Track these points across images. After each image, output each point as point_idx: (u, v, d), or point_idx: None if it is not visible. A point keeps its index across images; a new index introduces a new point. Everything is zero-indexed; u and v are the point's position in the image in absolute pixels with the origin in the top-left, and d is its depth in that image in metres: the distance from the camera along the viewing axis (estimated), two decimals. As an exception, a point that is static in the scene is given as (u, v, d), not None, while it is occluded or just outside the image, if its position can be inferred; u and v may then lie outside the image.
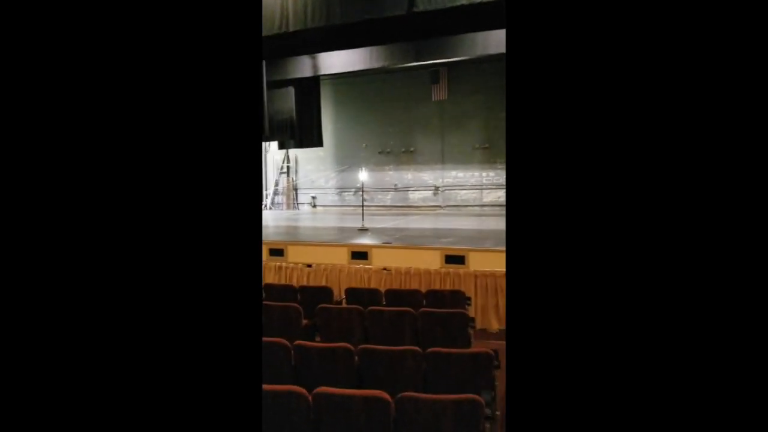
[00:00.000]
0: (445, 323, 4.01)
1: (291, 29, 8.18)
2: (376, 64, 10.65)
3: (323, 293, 5.01)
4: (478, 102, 13.31)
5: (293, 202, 15.86)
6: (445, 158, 14.22)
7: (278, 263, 7.06)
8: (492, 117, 13.13)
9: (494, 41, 8.50)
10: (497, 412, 2.96)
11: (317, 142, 12.64)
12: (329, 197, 15.41)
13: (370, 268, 6.68)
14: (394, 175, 14.70)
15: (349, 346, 3.06)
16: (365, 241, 7.71)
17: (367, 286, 6.44)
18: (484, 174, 13.79)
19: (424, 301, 4.84)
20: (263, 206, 15.47)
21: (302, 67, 11.19)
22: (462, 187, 14.09)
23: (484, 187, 13.83)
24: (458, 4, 6.81)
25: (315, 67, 11.19)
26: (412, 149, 14.47)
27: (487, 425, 2.37)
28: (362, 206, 10.29)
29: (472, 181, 13.98)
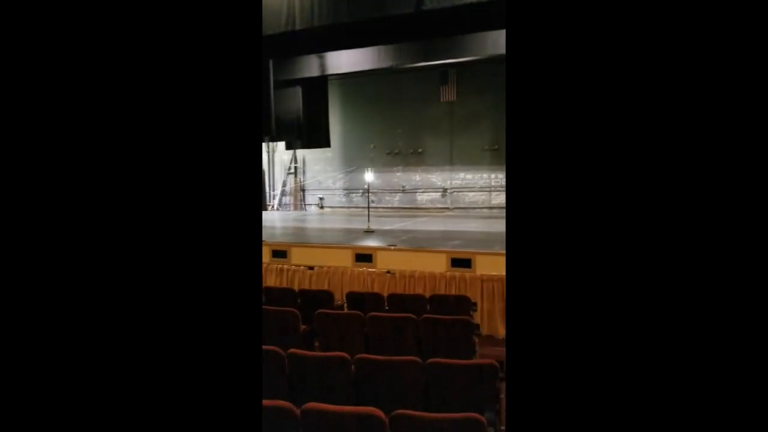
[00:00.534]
0: (448, 330, 3.84)
1: (298, 27, 8.13)
2: (384, 64, 10.60)
3: (324, 297, 4.86)
4: (487, 103, 13.20)
5: (301, 202, 15.82)
6: (453, 160, 14.11)
7: (280, 265, 6.91)
8: (501, 118, 12.84)
9: (504, 41, 8.35)
10: (502, 427, 2.81)
11: (325, 142, 12.58)
12: (337, 198, 15.34)
13: (374, 271, 6.52)
14: (402, 177, 14.62)
15: (345, 355, 2.91)
16: (370, 243, 7.57)
17: (370, 289, 6.29)
18: (493, 176, 13.67)
19: (428, 307, 4.67)
20: (271, 207, 15.44)
21: (310, 67, 11.16)
22: (471, 188, 13.99)
23: (492, 189, 13.71)
24: (467, 2, 6.68)
25: (322, 66, 11.16)
26: (420, 150, 14.38)
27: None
28: (368, 207, 10.16)
29: (481, 183, 13.88)
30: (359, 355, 2.94)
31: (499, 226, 9.73)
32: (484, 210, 13.59)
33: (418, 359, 2.88)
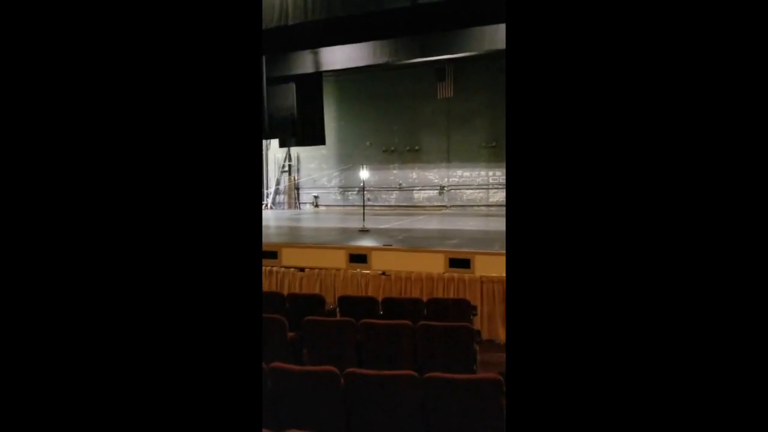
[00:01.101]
0: (447, 339, 3.57)
1: (291, 22, 7.95)
2: (380, 60, 10.42)
3: (314, 302, 4.59)
4: (484, 99, 13.02)
5: (295, 201, 15.58)
6: (450, 157, 13.92)
7: (270, 267, 6.62)
8: (499, 115, 12.78)
9: (502, 35, 8.20)
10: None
11: (319, 140, 12.33)
12: (332, 196, 15.11)
13: (368, 273, 6.25)
14: (398, 174, 14.40)
15: (334, 370, 2.64)
16: (365, 243, 7.30)
17: (363, 293, 6.03)
18: (490, 173, 13.49)
19: (425, 311, 4.40)
20: (265, 206, 15.18)
21: (303, 63, 10.95)
22: (468, 186, 13.80)
23: (490, 186, 13.53)
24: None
25: (317, 62, 10.95)
26: (417, 148, 14.17)
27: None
28: (363, 206, 9.90)
29: (479, 180, 13.69)
30: (350, 369, 2.68)
31: (498, 224, 9.51)
32: (482, 208, 13.42)
33: (415, 374, 2.61)
